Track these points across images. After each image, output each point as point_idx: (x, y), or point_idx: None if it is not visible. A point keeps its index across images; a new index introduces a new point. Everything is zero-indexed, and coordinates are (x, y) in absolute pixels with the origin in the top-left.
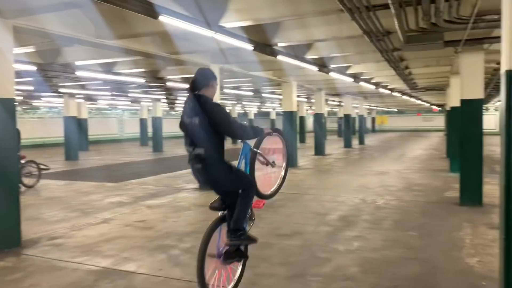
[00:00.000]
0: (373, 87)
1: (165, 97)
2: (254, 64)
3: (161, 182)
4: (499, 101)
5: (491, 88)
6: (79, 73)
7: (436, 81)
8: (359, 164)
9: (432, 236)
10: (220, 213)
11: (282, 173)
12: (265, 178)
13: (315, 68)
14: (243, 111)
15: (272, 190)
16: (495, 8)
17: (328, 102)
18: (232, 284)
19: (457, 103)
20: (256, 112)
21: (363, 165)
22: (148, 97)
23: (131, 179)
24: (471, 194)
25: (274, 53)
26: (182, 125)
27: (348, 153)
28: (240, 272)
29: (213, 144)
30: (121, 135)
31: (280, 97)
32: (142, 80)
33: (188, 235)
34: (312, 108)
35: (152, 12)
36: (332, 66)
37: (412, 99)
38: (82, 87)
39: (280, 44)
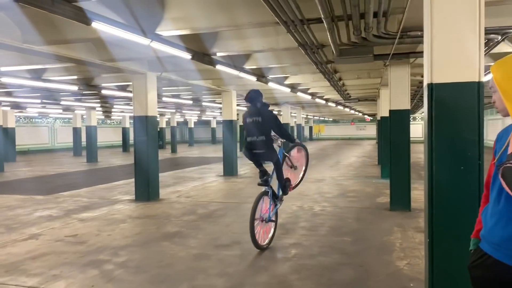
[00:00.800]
0: (309, 97)
1: (100, 106)
2: (193, 73)
3: (95, 194)
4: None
5: (417, 99)
6: (4, 80)
7: (367, 92)
8: None
9: (365, 241)
10: (264, 188)
11: (301, 174)
12: (291, 175)
13: (253, 78)
14: (183, 120)
15: (295, 183)
16: (419, 25)
17: None
18: (268, 239)
19: (386, 113)
20: (196, 120)
21: None
22: (82, 105)
23: (62, 191)
24: (400, 199)
25: (212, 63)
26: (245, 124)
27: None
28: (273, 230)
29: (269, 135)
30: (53, 145)
31: (220, 105)
32: (74, 88)
33: (123, 248)
34: None
35: (84, 18)
36: (270, 76)
37: (346, 109)
38: (9, 94)
39: (218, 54)
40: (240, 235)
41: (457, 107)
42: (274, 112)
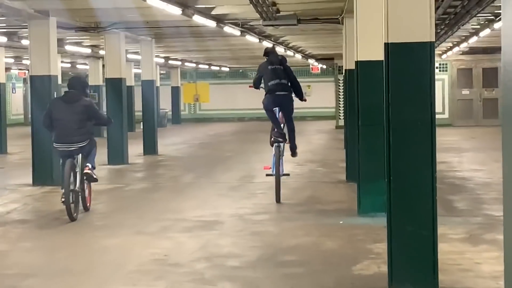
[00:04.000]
0: (179, 11)
1: None
2: None
3: None
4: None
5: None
6: None
7: (320, 5)
8: (150, 204)
9: None
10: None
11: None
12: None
13: None
14: None
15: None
16: None
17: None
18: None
19: (371, 55)
20: None
21: (160, 207)
22: None
23: None
24: (413, 267)
25: None
26: (267, 70)
27: (122, 176)
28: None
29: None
30: None
31: None
32: None
33: None
34: None
35: None
36: None
37: (266, 43)
38: None
39: None
40: None
41: None
42: None
